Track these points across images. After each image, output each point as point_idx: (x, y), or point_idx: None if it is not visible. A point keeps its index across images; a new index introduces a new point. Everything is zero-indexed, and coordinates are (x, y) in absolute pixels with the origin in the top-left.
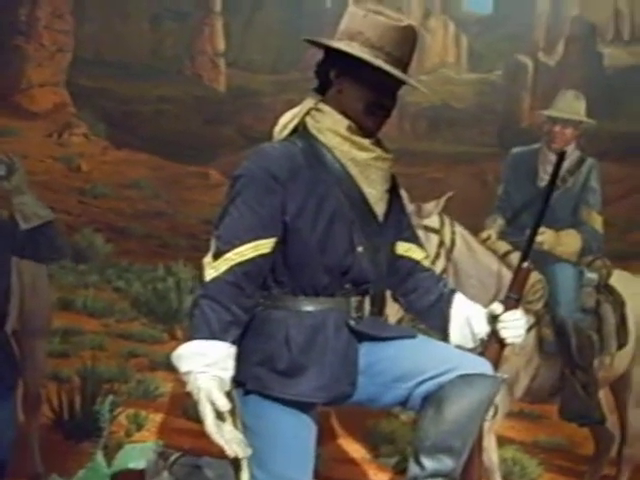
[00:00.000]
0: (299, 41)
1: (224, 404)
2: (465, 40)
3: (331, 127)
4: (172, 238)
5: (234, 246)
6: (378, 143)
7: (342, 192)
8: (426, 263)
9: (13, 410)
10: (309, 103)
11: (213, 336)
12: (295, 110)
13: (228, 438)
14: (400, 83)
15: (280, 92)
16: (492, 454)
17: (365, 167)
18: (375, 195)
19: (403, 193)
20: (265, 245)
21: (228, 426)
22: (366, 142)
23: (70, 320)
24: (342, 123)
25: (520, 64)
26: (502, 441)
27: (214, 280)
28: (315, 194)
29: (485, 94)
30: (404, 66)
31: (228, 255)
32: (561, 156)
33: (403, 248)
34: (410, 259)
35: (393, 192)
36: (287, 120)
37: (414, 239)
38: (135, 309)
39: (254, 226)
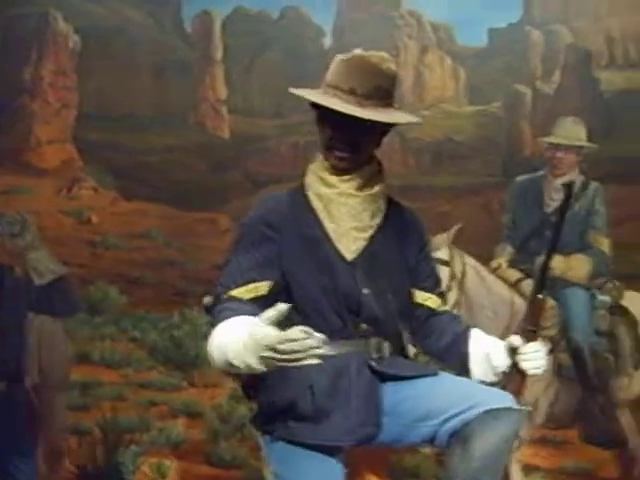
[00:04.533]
0: (300, 83)
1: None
2: (463, 73)
3: (311, 168)
4: (186, 285)
5: (231, 290)
6: (368, 179)
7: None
8: (442, 309)
9: (36, 465)
10: None
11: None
12: None
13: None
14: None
15: (284, 135)
16: None
17: (328, 202)
18: (336, 230)
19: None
20: (261, 288)
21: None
22: (333, 179)
23: (88, 372)
24: (318, 162)
25: (518, 94)
26: (527, 469)
27: (219, 304)
28: (308, 238)
29: (486, 125)
30: (363, 97)
31: (223, 297)
32: (570, 188)
33: (422, 297)
34: (428, 307)
35: (399, 234)
36: None
37: (434, 289)
38: (152, 358)
39: (250, 270)
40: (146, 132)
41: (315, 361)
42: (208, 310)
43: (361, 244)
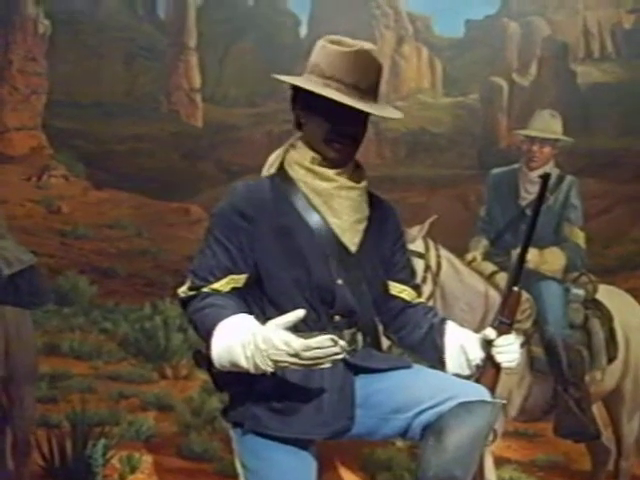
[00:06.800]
0: (274, 72)
1: (288, 334)
2: (439, 65)
3: (297, 160)
4: (157, 276)
5: (209, 283)
6: (353, 172)
7: (310, 225)
8: (416, 301)
9: (2, 458)
10: (291, 140)
11: (220, 320)
12: (280, 148)
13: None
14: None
15: (257, 124)
16: (490, 475)
17: (328, 197)
18: (340, 225)
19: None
20: (238, 280)
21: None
22: (330, 172)
23: (57, 364)
24: (307, 155)
25: (495, 86)
26: (499, 461)
27: (195, 296)
28: (282, 229)
29: (462, 117)
30: (364, 91)
31: (204, 290)
32: (546, 179)
33: (397, 289)
34: (403, 300)
35: (377, 226)
36: (273, 159)
37: (409, 281)
38: (123, 349)
39: (226, 263)
40: (118, 120)
41: (329, 365)
42: (184, 302)
43: (361, 236)
